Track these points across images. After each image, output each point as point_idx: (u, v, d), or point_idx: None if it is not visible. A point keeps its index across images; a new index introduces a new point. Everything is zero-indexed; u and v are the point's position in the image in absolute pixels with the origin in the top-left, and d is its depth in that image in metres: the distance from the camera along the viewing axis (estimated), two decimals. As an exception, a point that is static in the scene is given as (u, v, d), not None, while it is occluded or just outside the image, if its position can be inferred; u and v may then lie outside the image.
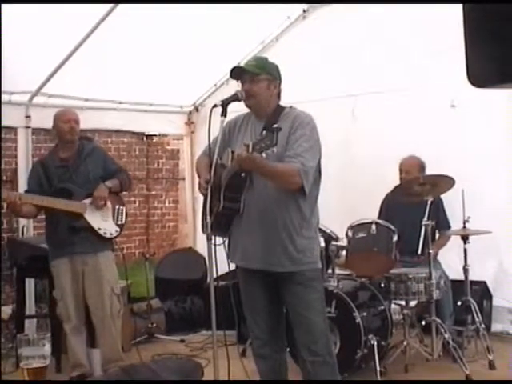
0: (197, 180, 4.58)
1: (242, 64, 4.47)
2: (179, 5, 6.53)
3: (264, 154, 3.83)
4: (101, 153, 6.11)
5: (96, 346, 5.97)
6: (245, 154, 3.88)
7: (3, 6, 5.47)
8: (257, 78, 4.22)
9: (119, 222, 6.01)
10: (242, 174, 4.18)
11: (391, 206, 6.64)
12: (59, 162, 5.87)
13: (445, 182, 5.97)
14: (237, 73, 4.28)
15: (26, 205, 5.56)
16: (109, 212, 5.94)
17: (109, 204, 5.94)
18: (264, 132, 3.93)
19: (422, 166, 6.54)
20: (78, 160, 5.88)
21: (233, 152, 4.13)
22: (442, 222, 6.51)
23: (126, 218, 6.09)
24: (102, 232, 5.84)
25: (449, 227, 6.55)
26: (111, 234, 5.92)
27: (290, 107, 4.32)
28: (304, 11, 7.93)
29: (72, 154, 5.88)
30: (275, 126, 3.84)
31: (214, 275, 4.03)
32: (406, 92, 7.14)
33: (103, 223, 5.88)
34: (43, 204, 5.64)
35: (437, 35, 6.71)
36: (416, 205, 6.17)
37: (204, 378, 1.89)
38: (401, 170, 6.61)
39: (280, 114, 4.24)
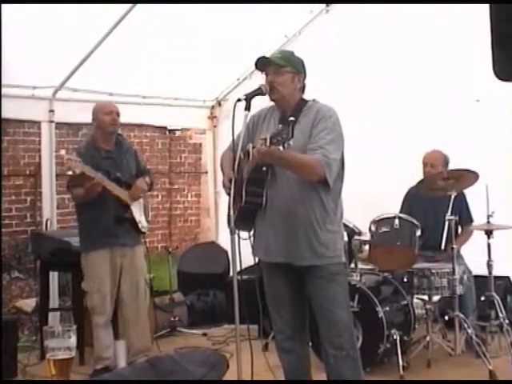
0: (219, 174, 4.60)
1: (268, 56, 4.44)
2: (202, -1, 6.57)
3: (281, 147, 3.82)
4: (133, 151, 6.24)
5: (120, 338, 6.01)
6: (263, 147, 3.89)
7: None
8: (281, 70, 4.21)
9: (148, 219, 6.17)
10: (263, 168, 4.18)
11: (414, 200, 6.61)
12: (105, 153, 5.93)
13: (469, 177, 5.94)
14: (262, 64, 4.26)
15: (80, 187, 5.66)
16: (141, 207, 6.07)
17: (141, 199, 6.05)
18: (280, 125, 3.93)
19: (446, 160, 6.51)
20: (120, 154, 5.99)
21: (253, 147, 4.13)
22: (464, 217, 6.47)
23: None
24: (140, 226, 5.98)
25: (471, 222, 6.51)
26: (144, 229, 6.06)
27: (313, 100, 4.31)
28: (327, 5, 7.90)
29: (112, 147, 5.96)
30: (291, 118, 3.83)
31: (238, 269, 4.03)
32: (430, 86, 7.12)
33: (140, 217, 6.02)
34: (109, 187, 5.71)
35: (463, 29, 6.67)
36: (439, 199, 6.16)
37: (227, 372, 1.90)
38: (425, 164, 6.56)
39: (303, 108, 4.24)
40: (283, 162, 4.06)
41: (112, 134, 5.95)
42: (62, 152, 5.66)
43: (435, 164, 6.50)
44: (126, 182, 5.88)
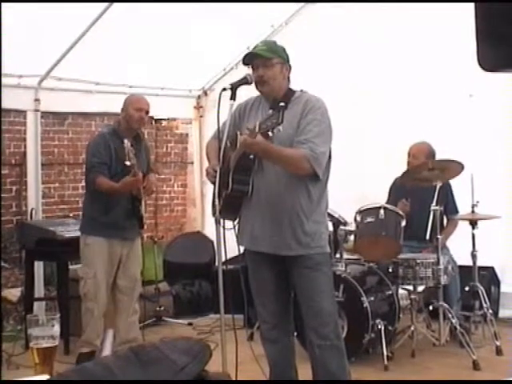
0: (205, 164, 4.59)
1: (251, 48, 4.44)
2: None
3: (270, 133, 3.83)
4: (148, 148, 6.29)
5: (109, 327, 6.02)
6: (249, 138, 3.90)
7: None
8: (270, 62, 4.20)
9: (145, 215, 6.18)
10: (250, 156, 4.18)
11: (400, 190, 6.63)
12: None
13: (453, 167, 5.96)
14: (249, 58, 4.26)
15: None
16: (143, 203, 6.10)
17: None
18: (270, 111, 3.93)
19: (430, 153, 6.51)
20: (139, 149, 5.97)
21: (241, 134, 4.13)
22: (450, 207, 6.49)
23: None
24: (143, 220, 6.03)
25: (457, 212, 6.53)
26: (145, 224, 6.13)
27: (301, 91, 4.31)
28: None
29: (133, 141, 5.92)
30: (281, 104, 3.82)
31: (223, 259, 4.04)
32: (418, 79, 7.14)
33: (144, 213, 6.05)
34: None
35: (455, 23, 6.66)
36: (424, 190, 6.18)
37: (211, 361, 1.90)
38: (409, 155, 6.60)
39: (291, 98, 4.22)
40: (269, 154, 4.07)
41: (136, 129, 5.96)
42: (125, 141, 5.59)
43: (417, 155, 6.52)
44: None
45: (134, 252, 6.01)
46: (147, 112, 5.93)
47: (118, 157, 5.74)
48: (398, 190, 6.68)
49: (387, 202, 6.41)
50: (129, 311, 6.02)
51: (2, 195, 9.35)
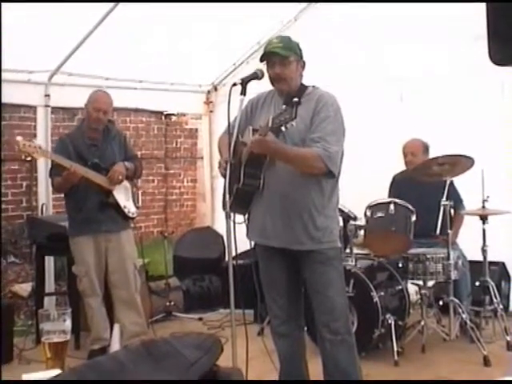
0: (215, 159, 4.61)
1: (262, 44, 4.43)
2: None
3: (284, 128, 3.83)
4: (122, 137, 6.28)
5: (116, 321, 6.03)
6: (258, 137, 3.89)
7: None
8: (287, 60, 4.18)
9: (137, 205, 6.22)
10: None
11: (400, 187, 6.61)
12: (89, 140, 5.99)
13: (463, 162, 5.93)
14: (266, 56, 4.24)
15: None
16: (129, 192, 6.13)
17: (128, 185, 6.10)
18: (284, 106, 3.92)
19: (426, 148, 6.56)
20: (105, 142, 6.04)
21: (254, 129, 4.13)
22: (455, 200, 6.44)
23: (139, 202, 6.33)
24: (126, 211, 6.04)
25: (461, 202, 6.49)
26: (132, 214, 6.11)
27: (313, 87, 4.29)
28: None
29: (99, 135, 6.02)
30: (295, 99, 3.81)
31: (233, 253, 4.04)
32: (426, 74, 7.12)
33: (127, 202, 6.06)
34: (85, 175, 5.74)
35: (459, 18, 6.64)
36: (425, 186, 6.16)
37: (222, 356, 1.90)
38: (406, 153, 6.61)
39: (303, 93, 4.20)
40: (279, 154, 4.07)
41: (96, 127, 5.98)
42: (19, 138, 5.66)
43: (415, 152, 6.57)
44: (106, 168, 5.92)
45: (120, 245, 6.00)
46: (106, 112, 5.95)
47: (79, 154, 5.84)
48: (398, 187, 6.67)
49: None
50: (129, 305, 6.03)
51: (13, 190, 9.38)
